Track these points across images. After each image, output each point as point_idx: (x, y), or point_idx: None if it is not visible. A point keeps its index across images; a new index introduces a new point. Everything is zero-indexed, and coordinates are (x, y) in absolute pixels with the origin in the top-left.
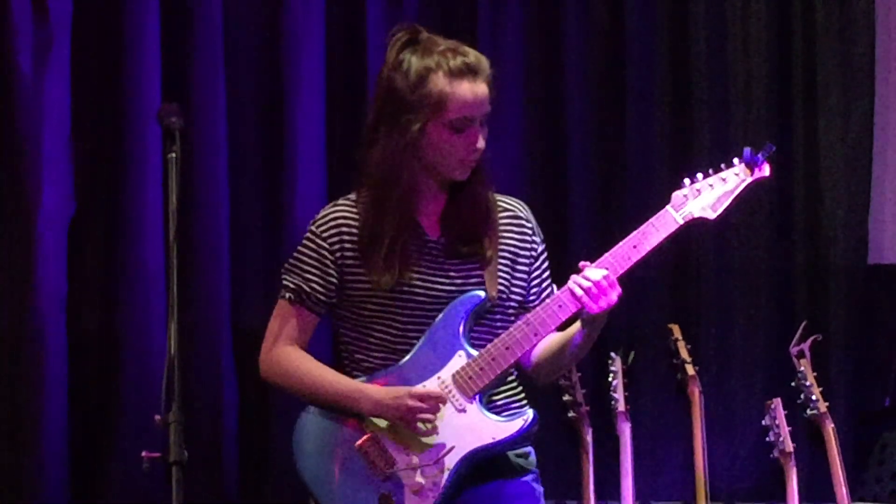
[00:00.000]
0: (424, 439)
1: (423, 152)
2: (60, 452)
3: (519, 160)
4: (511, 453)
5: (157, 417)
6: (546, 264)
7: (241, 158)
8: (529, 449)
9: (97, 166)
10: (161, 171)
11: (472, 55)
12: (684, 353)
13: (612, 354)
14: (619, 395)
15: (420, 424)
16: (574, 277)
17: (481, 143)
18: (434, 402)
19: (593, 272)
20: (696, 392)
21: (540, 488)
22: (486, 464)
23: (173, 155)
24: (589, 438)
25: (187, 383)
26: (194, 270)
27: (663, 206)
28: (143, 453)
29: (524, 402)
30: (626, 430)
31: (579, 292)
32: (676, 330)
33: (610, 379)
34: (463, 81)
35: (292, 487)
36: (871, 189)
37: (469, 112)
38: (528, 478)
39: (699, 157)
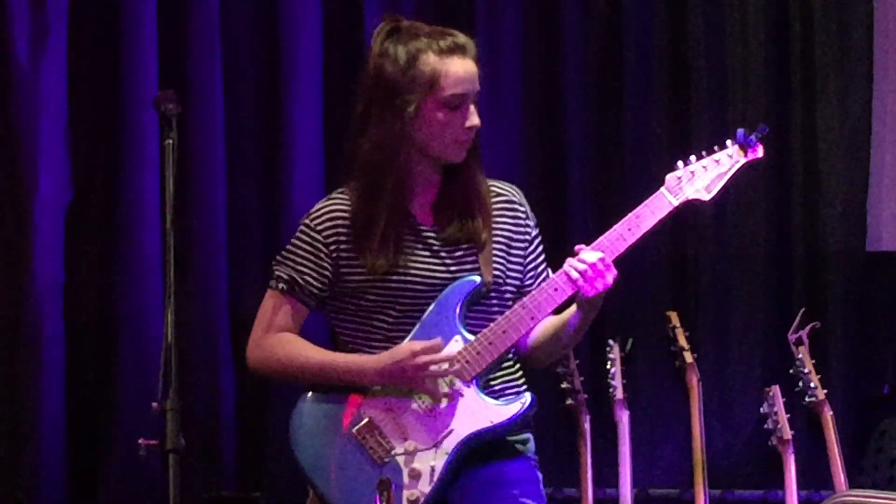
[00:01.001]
0: (422, 424)
1: (417, 134)
2: (58, 439)
3: (518, 148)
4: (510, 438)
5: (155, 405)
6: (540, 248)
7: (238, 146)
8: (529, 435)
9: (94, 154)
10: (158, 159)
11: (460, 35)
12: (682, 341)
13: (610, 342)
14: (618, 382)
15: (429, 382)
16: (570, 260)
17: (475, 121)
18: (436, 353)
19: (589, 254)
20: (694, 379)
21: (539, 474)
22: (485, 448)
23: (170, 142)
24: (587, 426)
25: (184, 371)
26: (191, 258)
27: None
28: (140, 441)
29: (523, 385)
30: (624, 418)
31: (575, 275)
32: (674, 317)
33: (608, 366)
34: (454, 58)
35: (290, 475)
36: (869, 176)
37: (463, 88)
38: (527, 463)
39: (697, 143)
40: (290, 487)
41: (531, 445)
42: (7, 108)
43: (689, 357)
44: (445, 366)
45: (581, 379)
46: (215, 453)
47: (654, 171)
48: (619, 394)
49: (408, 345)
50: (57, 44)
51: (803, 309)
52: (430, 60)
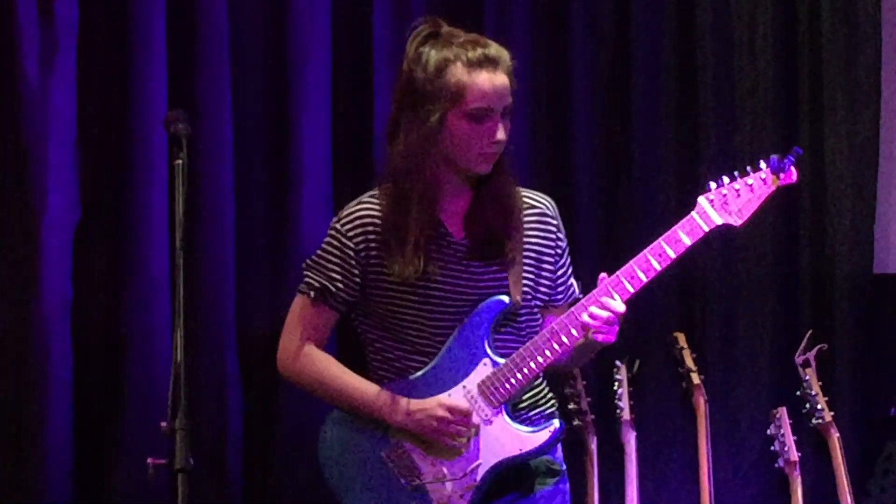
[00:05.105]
0: (451, 451)
1: (443, 144)
2: (65, 459)
3: (524, 163)
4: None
5: (163, 424)
6: (569, 260)
7: (247, 165)
8: (555, 448)
9: (103, 172)
10: (167, 178)
11: (493, 47)
12: (689, 362)
13: (618, 363)
14: (624, 403)
15: (448, 439)
16: (590, 309)
17: (501, 135)
18: (463, 417)
19: (608, 307)
20: (701, 401)
21: (565, 487)
22: (513, 470)
23: (180, 161)
24: (594, 447)
25: (192, 390)
26: (199, 277)
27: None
28: (149, 460)
29: (552, 407)
30: (630, 439)
31: (600, 337)
32: (682, 338)
33: (615, 387)
34: (482, 72)
35: (297, 495)
36: (876, 198)
37: (488, 103)
38: (556, 480)
39: (705, 163)
40: None
41: (559, 455)
42: (15, 126)
43: (696, 378)
44: (469, 429)
45: (588, 400)
46: (223, 473)
47: (661, 191)
48: (626, 415)
49: (438, 400)
50: (66, 62)
51: (810, 331)
52: (458, 72)
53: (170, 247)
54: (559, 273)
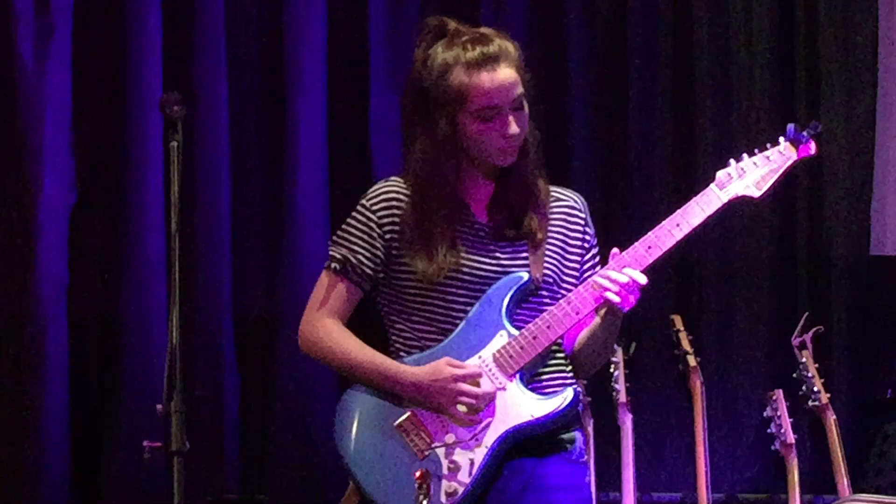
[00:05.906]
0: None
1: (462, 144)
2: (61, 441)
3: None
4: (556, 438)
5: (159, 407)
6: (597, 260)
7: (243, 147)
8: (576, 434)
9: (99, 155)
10: (162, 161)
11: (495, 43)
12: (686, 345)
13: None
14: (621, 385)
15: (460, 407)
16: (605, 278)
17: (514, 129)
18: (474, 384)
19: (629, 275)
20: (697, 383)
21: (586, 479)
22: (528, 447)
23: (175, 144)
24: (590, 429)
25: (188, 373)
26: (195, 260)
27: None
28: (145, 443)
29: (572, 380)
30: (627, 422)
31: (615, 299)
32: (678, 321)
33: (611, 370)
34: (481, 72)
35: (293, 476)
36: (873, 180)
37: (492, 101)
38: (572, 466)
39: (702, 148)
40: (293, 488)
41: (578, 445)
42: (12, 110)
43: (692, 360)
44: (481, 385)
45: (584, 382)
46: (219, 455)
47: (658, 177)
48: (623, 397)
49: (449, 368)
50: (61, 45)
51: (807, 313)
52: (459, 75)
53: (165, 229)
54: (586, 267)
